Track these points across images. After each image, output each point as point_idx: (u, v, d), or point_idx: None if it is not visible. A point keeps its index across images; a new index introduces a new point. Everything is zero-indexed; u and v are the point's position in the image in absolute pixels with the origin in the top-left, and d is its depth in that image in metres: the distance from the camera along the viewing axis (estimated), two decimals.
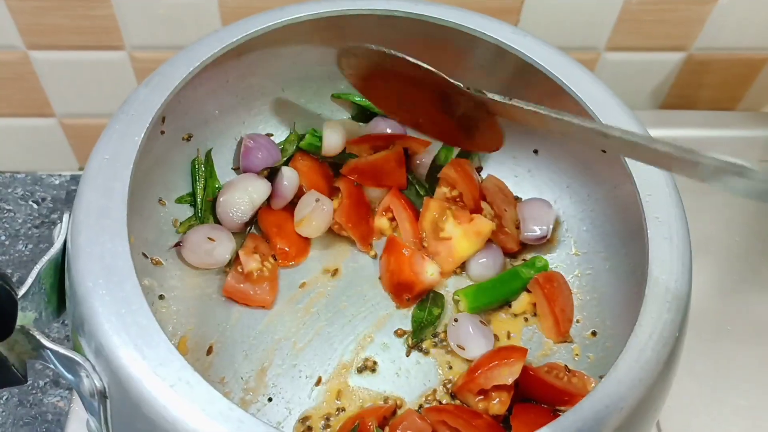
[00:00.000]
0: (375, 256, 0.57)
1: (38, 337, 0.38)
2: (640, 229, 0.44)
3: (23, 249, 0.71)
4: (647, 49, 0.72)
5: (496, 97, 0.44)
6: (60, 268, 0.42)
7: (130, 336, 0.36)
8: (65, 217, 0.41)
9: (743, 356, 0.58)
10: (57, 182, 0.76)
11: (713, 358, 0.58)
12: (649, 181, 0.44)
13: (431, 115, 0.51)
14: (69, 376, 0.39)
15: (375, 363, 0.52)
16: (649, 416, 0.39)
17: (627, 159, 0.45)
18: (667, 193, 0.44)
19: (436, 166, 0.59)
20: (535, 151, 0.58)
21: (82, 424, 0.55)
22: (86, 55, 0.67)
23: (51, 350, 0.38)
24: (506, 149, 0.59)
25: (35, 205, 0.75)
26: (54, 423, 0.62)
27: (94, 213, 0.40)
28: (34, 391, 0.64)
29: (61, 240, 0.41)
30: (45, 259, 0.41)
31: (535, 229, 0.56)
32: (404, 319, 0.55)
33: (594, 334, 0.52)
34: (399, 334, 0.54)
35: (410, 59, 0.46)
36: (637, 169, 0.44)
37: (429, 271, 0.54)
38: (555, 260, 0.56)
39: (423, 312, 0.54)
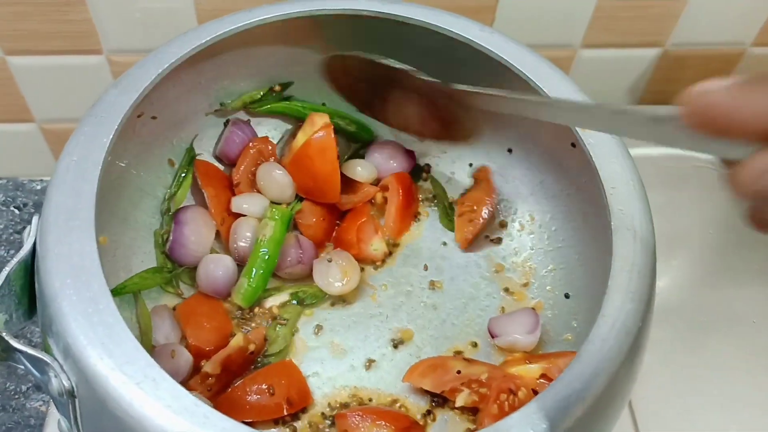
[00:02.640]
0: None
1: (7, 338, 0.38)
2: (607, 222, 0.44)
3: (5, 254, 0.72)
4: (623, 45, 0.72)
5: (463, 87, 0.45)
6: (30, 269, 0.42)
7: (96, 335, 0.36)
8: (35, 218, 0.42)
9: (717, 347, 0.59)
10: (38, 187, 0.76)
11: (687, 349, 0.59)
12: (613, 175, 0.44)
13: (413, 113, 0.52)
14: (39, 376, 0.39)
15: None
16: (614, 405, 0.39)
17: (592, 155, 0.45)
18: (631, 186, 0.44)
19: None
20: (509, 150, 0.58)
21: None
22: (64, 60, 0.67)
23: (20, 351, 0.38)
24: (481, 148, 0.59)
25: (17, 211, 0.75)
26: (36, 428, 0.62)
27: (62, 214, 0.40)
28: (16, 396, 0.64)
29: (31, 242, 0.41)
30: (14, 260, 0.41)
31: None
32: None
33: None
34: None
35: (394, 64, 0.49)
36: (602, 162, 0.45)
37: (373, 246, 0.55)
38: (529, 254, 0.57)
39: None
